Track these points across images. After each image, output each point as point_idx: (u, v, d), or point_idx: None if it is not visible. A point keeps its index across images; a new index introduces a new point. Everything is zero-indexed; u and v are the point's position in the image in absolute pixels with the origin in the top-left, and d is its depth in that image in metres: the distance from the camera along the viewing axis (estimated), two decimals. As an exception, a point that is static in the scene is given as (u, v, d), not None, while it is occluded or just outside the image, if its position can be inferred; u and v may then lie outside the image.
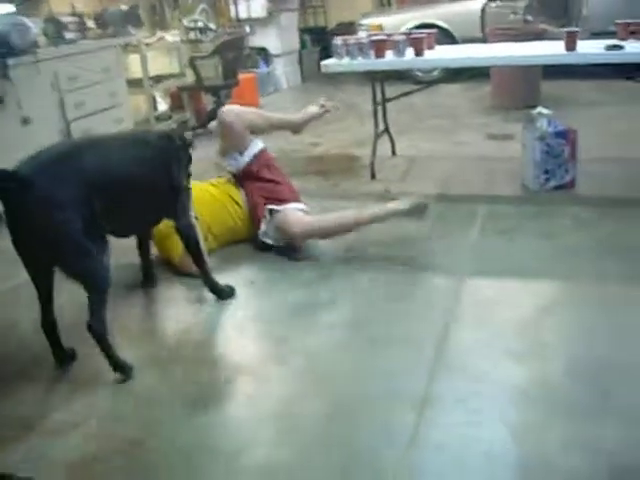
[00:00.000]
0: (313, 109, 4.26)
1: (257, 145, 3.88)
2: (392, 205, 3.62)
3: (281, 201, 3.72)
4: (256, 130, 3.90)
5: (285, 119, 4.22)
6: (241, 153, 3.85)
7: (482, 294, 3.11)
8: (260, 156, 3.86)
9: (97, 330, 2.56)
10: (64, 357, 2.78)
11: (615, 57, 4.03)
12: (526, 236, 3.70)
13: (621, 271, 3.19)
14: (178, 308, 3.28)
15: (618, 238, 3.57)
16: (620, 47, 4.04)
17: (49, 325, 2.73)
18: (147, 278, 3.46)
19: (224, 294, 3.25)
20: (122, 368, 2.64)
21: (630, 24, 4.35)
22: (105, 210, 2.58)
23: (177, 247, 3.46)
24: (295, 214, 3.66)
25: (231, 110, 3.86)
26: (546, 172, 4.27)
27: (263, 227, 3.74)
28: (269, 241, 3.73)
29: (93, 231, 2.55)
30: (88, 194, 2.52)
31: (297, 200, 3.82)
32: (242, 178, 3.87)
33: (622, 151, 5.06)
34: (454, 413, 2.26)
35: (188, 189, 3.17)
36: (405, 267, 3.45)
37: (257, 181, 3.82)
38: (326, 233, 3.68)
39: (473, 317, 2.90)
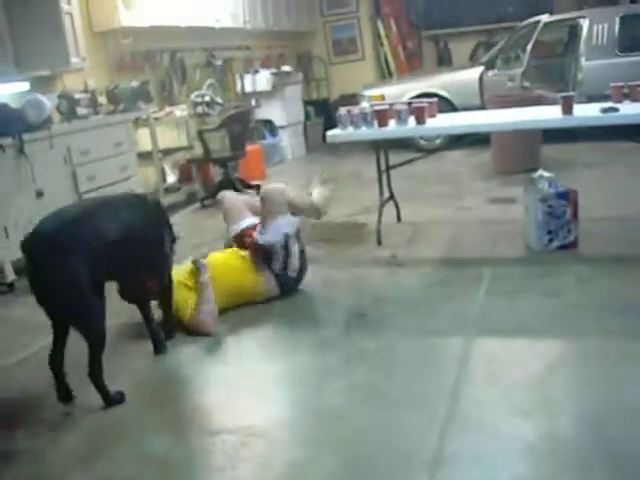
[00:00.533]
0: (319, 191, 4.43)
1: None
2: None
3: None
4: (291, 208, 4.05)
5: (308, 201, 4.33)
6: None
7: (491, 353, 3.15)
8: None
9: (95, 375, 2.90)
10: (67, 394, 3.02)
11: (610, 119, 4.16)
12: (531, 296, 3.76)
13: (624, 328, 3.24)
14: (187, 368, 3.34)
15: (621, 296, 3.63)
16: (615, 109, 4.17)
17: (57, 364, 2.99)
18: (155, 344, 3.50)
19: (169, 335, 3.55)
20: (112, 403, 2.95)
21: (624, 86, 4.50)
22: (107, 268, 2.93)
23: (185, 306, 3.58)
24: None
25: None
26: (549, 233, 4.35)
27: (258, 232, 4.02)
28: (269, 238, 3.95)
29: (96, 288, 2.87)
30: (95, 254, 2.85)
31: None
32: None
33: (622, 210, 5.17)
34: (468, 470, 2.29)
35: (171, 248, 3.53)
36: (414, 329, 3.51)
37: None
38: None
39: (483, 376, 2.93)
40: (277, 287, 4.00)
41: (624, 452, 2.29)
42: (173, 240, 3.56)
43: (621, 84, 4.60)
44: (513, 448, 2.38)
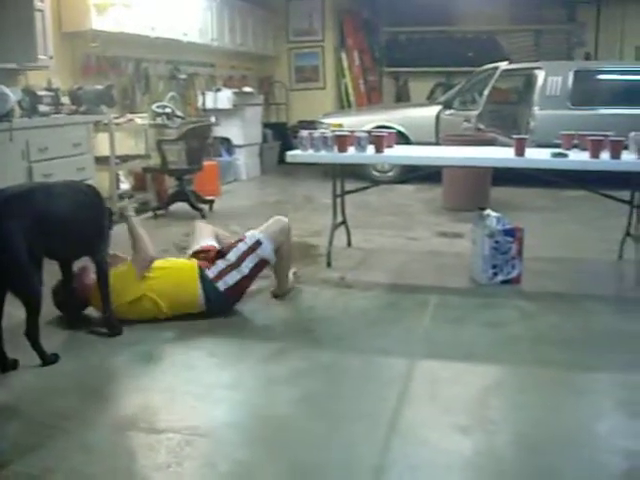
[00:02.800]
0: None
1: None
2: None
3: None
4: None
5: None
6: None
7: (433, 374, 3.27)
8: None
9: (32, 336, 3.21)
10: (6, 364, 3.24)
11: (560, 164, 4.37)
12: (474, 325, 3.91)
13: (560, 358, 3.43)
14: (131, 369, 3.36)
15: (558, 329, 3.83)
16: (565, 155, 4.38)
17: None
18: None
19: (114, 331, 3.67)
20: (50, 361, 3.29)
21: (573, 136, 4.73)
22: (44, 240, 3.21)
23: (155, 306, 3.79)
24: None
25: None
26: (494, 267, 4.52)
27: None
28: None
29: (33, 259, 3.14)
30: (34, 226, 3.14)
31: None
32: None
33: (564, 252, 5.46)
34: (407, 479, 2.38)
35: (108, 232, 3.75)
36: (361, 347, 3.61)
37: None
38: None
39: (425, 394, 3.04)
40: (204, 300, 3.93)
41: (555, 471, 2.42)
42: (109, 227, 3.78)
43: (571, 133, 4.83)
44: (451, 461, 2.49)
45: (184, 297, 3.89)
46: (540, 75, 8.71)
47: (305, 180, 9.10)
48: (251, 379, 3.24)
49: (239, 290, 4.01)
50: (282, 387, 3.13)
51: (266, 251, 4.01)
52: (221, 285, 3.91)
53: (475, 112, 8.74)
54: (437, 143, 8.08)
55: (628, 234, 5.08)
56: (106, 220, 3.71)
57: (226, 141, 9.44)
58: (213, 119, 8.59)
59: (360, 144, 4.82)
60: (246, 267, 3.96)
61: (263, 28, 11.20)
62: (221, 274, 3.92)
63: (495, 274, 4.54)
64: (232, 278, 3.93)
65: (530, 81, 9.11)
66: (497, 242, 4.49)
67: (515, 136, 4.79)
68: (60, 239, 3.39)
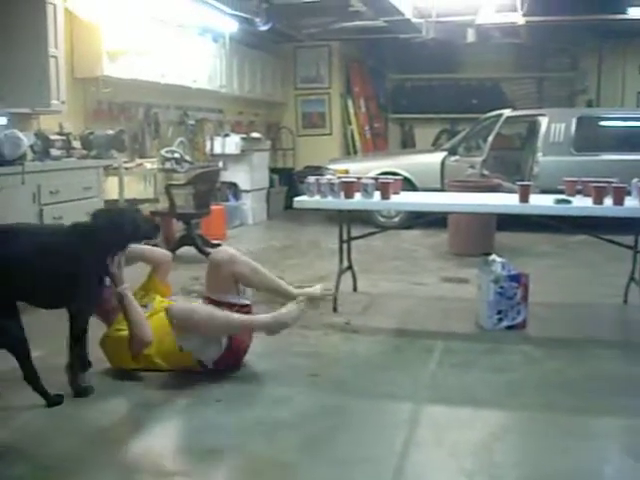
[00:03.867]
0: (312, 290, 4.12)
1: (240, 301, 3.85)
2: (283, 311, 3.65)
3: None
4: (243, 282, 3.87)
5: (282, 287, 4.01)
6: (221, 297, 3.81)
7: (439, 419, 3.28)
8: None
9: (30, 380, 3.24)
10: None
11: (563, 210, 4.42)
12: (479, 370, 3.92)
13: (565, 403, 3.45)
14: (137, 413, 3.38)
15: (563, 374, 3.85)
16: (568, 201, 4.43)
17: None
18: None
19: (83, 394, 3.44)
20: (54, 402, 3.29)
21: (577, 182, 4.79)
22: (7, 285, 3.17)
23: (184, 358, 3.63)
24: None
25: (226, 251, 3.93)
26: (499, 312, 4.54)
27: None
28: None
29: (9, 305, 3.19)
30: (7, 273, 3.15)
31: None
32: None
33: (569, 298, 5.51)
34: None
35: (94, 277, 3.48)
36: (367, 391, 3.62)
37: None
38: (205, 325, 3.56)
39: (430, 439, 3.05)
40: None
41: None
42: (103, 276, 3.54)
43: (575, 179, 4.90)
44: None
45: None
46: (544, 122, 8.83)
47: (311, 225, 9.17)
48: (256, 423, 3.24)
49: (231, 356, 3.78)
50: (287, 432, 3.13)
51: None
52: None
53: (480, 158, 8.82)
54: (442, 189, 8.16)
55: (632, 279, 5.10)
56: (89, 269, 3.44)
57: (233, 186, 9.53)
58: (221, 164, 8.70)
59: (366, 190, 4.88)
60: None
61: (271, 75, 11.40)
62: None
63: (500, 319, 4.56)
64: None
65: (534, 128, 9.24)
66: (502, 287, 4.52)
67: (519, 182, 4.86)
68: (26, 285, 3.27)
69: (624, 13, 9.55)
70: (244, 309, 3.82)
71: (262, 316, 3.75)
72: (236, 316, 3.65)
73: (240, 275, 3.84)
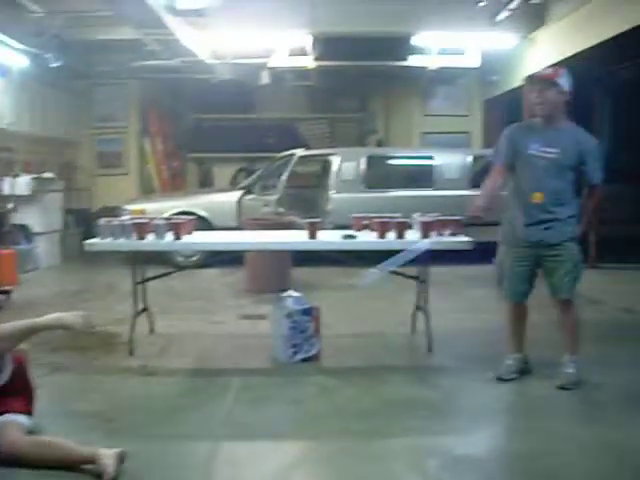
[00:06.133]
0: (70, 318, 3.38)
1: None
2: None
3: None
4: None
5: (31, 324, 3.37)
6: None
7: (237, 455, 3.34)
8: None
9: None
10: None
11: (349, 245, 4.65)
12: (277, 403, 4.03)
13: (359, 429, 3.64)
14: None
15: (356, 401, 4.05)
16: (353, 237, 4.67)
17: None
18: None
19: None
20: None
21: (363, 218, 5.06)
22: None
23: None
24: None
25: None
26: (294, 346, 4.68)
27: None
28: None
29: None
30: None
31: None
32: None
33: (361, 327, 5.81)
34: None
35: None
36: (161, 434, 3.58)
37: None
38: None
39: (227, 476, 3.10)
40: None
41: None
42: None
43: (361, 215, 5.17)
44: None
45: None
46: (335, 160, 9.25)
47: (108, 267, 8.91)
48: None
49: None
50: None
51: None
52: None
53: (274, 197, 9.06)
54: (239, 227, 8.26)
55: (418, 308, 5.43)
56: None
57: (25, 228, 9.08)
58: (11, 206, 8.27)
59: (158, 231, 4.85)
60: None
61: (66, 113, 11.05)
62: None
63: (295, 352, 4.69)
64: None
65: (326, 166, 9.65)
66: (295, 322, 4.66)
67: (308, 220, 5.06)
68: None
69: (405, 60, 10.29)
70: None
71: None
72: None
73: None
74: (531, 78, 4.43)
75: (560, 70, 4.29)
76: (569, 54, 8.13)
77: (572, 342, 4.35)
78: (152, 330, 5.59)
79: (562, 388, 4.22)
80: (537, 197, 4.21)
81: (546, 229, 4.21)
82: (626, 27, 6.78)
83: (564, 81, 4.20)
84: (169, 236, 4.89)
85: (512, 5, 8.54)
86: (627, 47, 7.38)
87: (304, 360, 4.71)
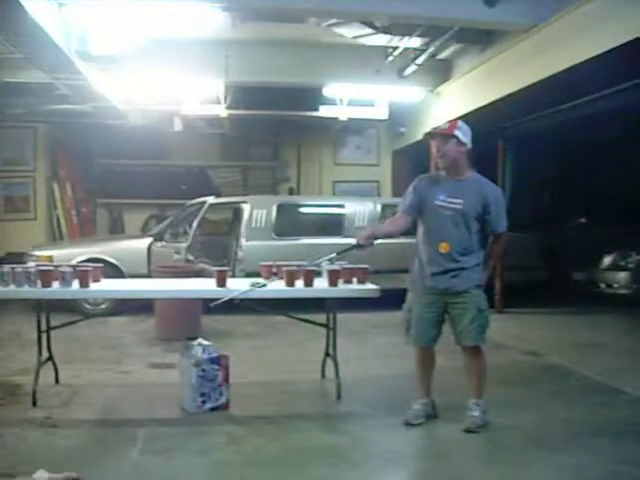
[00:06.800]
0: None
1: None
2: None
3: None
4: None
5: None
6: None
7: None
8: None
9: None
10: None
11: (258, 293, 4.68)
12: (183, 454, 3.97)
13: (265, 478, 3.67)
14: None
15: (264, 451, 4.06)
16: (263, 285, 4.71)
17: None
18: None
19: None
20: None
21: (272, 266, 5.11)
22: None
23: None
24: None
25: None
26: (202, 395, 4.65)
27: None
28: None
29: None
30: None
31: None
32: None
33: (271, 375, 5.81)
34: None
35: None
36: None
37: None
38: None
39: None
40: None
41: None
42: None
43: (270, 263, 5.21)
44: None
45: None
46: (246, 208, 9.30)
47: (14, 315, 8.61)
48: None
49: None
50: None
51: None
52: None
53: (185, 244, 9.00)
54: (149, 275, 8.17)
55: (327, 354, 5.48)
56: None
57: None
58: None
59: (64, 279, 4.76)
60: None
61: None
62: None
63: (204, 402, 4.66)
64: None
65: (238, 214, 9.69)
66: (204, 370, 4.64)
67: (216, 268, 5.07)
68: None
69: (316, 110, 10.52)
70: None
71: None
72: None
73: None
74: (430, 133, 4.62)
75: (457, 123, 4.47)
76: (472, 107, 8.50)
77: (478, 386, 4.47)
78: (57, 380, 5.44)
79: (468, 431, 4.34)
80: (444, 247, 4.35)
81: (452, 277, 4.36)
82: (527, 82, 7.15)
83: (462, 133, 4.38)
84: (76, 284, 4.81)
85: (419, 60, 8.91)
86: (530, 100, 7.76)
87: (213, 409, 4.68)
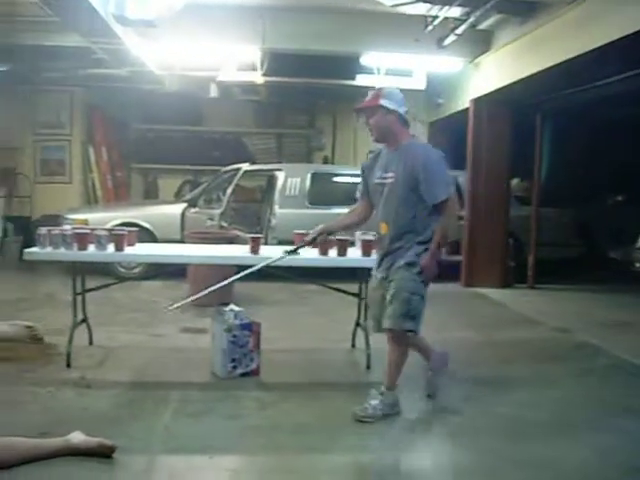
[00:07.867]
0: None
1: None
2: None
3: None
4: None
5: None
6: None
7: (174, 469, 3.36)
8: None
9: None
10: None
11: (291, 260, 4.68)
12: (214, 417, 4.03)
13: (294, 444, 3.71)
14: None
15: (294, 417, 4.10)
16: (297, 252, 4.70)
17: None
18: None
19: None
20: None
21: (306, 234, 5.09)
22: None
23: None
24: None
25: None
26: (233, 360, 4.69)
27: None
28: None
29: None
30: None
31: None
32: None
33: (301, 343, 5.86)
34: None
35: None
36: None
37: None
38: None
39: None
40: None
41: None
42: None
43: (303, 232, 5.18)
44: None
45: None
46: (280, 176, 9.29)
47: (49, 277, 8.75)
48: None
49: None
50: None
51: None
52: None
53: (218, 211, 9.03)
54: (182, 240, 8.23)
55: (358, 324, 5.48)
56: None
57: (-40, 235, 8.90)
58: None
59: (100, 242, 4.81)
60: None
61: (6, 119, 10.84)
62: None
63: (234, 367, 4.71)
64: None
65: (271, 181, 9.69)
66: (235, 336, 4.68)
67: (250, 235, 5.08)
68: None
69: (353, 79, 10.41)
70: None
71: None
72: None
73: None
74: (356, 110, 4.45)
75: (382, 91, 4.14)
76: (511, 80, 8.36)
77: (388, 375, 4.14)
78: (91, 342, 5.53)
79: (357, 419, 4.00)
80: (383, 227, 4.09)
81: (390, 261, 4.09)
82: (568, 56, 7.00)
83: (389, 101, 4.05)
84: (111, 247, 4.86)
85: (459, 30, 8.76)
86: (569, 74, 7.60)
87: (243, 375, 4.72)
